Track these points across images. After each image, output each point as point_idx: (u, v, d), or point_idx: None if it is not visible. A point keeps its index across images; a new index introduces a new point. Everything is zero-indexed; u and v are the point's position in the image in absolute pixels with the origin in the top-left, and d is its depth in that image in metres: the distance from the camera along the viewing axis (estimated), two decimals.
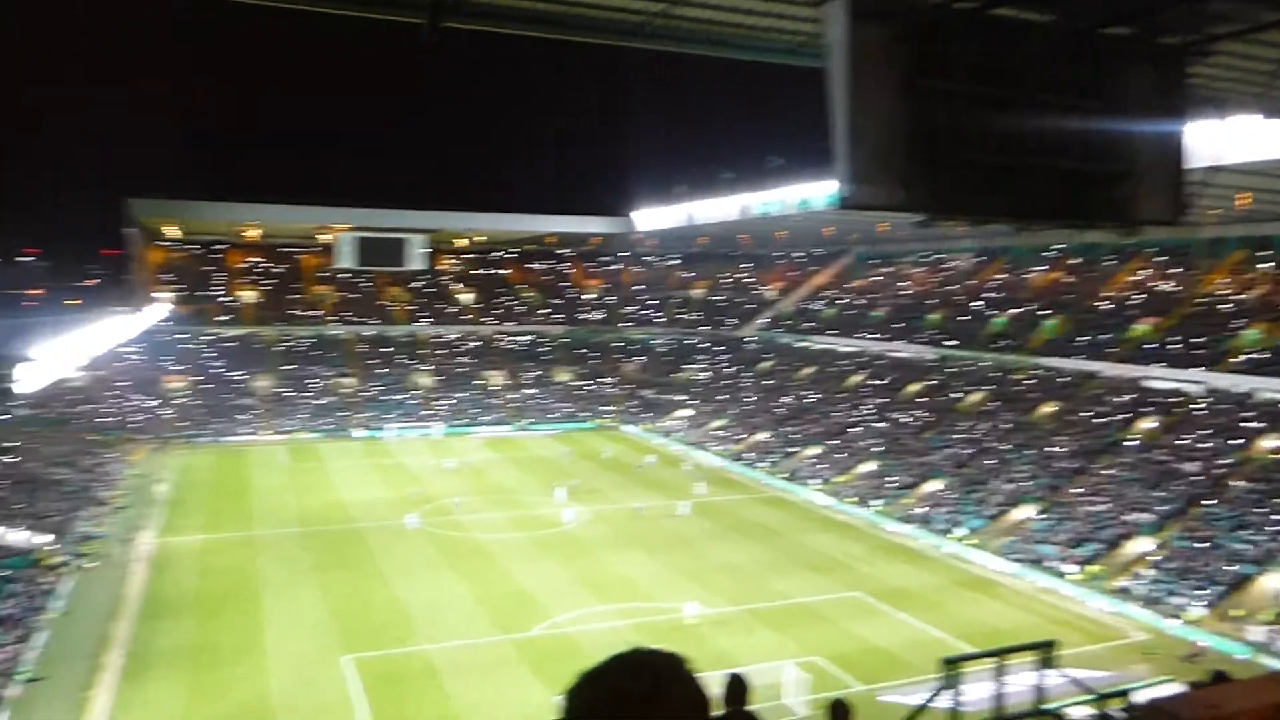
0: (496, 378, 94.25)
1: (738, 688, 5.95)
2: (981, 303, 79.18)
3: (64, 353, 55.69)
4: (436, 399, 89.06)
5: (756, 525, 54.27)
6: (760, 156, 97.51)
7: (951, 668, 6.53)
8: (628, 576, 43.97)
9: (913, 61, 7.14)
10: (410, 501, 57.23)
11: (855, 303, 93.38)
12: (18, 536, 43.33)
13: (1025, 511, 51.06)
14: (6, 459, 56.70)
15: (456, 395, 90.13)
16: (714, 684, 2.65)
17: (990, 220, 8.48)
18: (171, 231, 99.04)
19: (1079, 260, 76.32)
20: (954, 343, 74.70)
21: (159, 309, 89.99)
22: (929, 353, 75.65)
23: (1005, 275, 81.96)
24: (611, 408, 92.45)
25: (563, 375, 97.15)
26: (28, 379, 49.18)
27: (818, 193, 67.85)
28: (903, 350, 78.49)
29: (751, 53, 11.08)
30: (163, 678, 32.13)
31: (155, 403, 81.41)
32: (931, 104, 7.44)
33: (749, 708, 6.24)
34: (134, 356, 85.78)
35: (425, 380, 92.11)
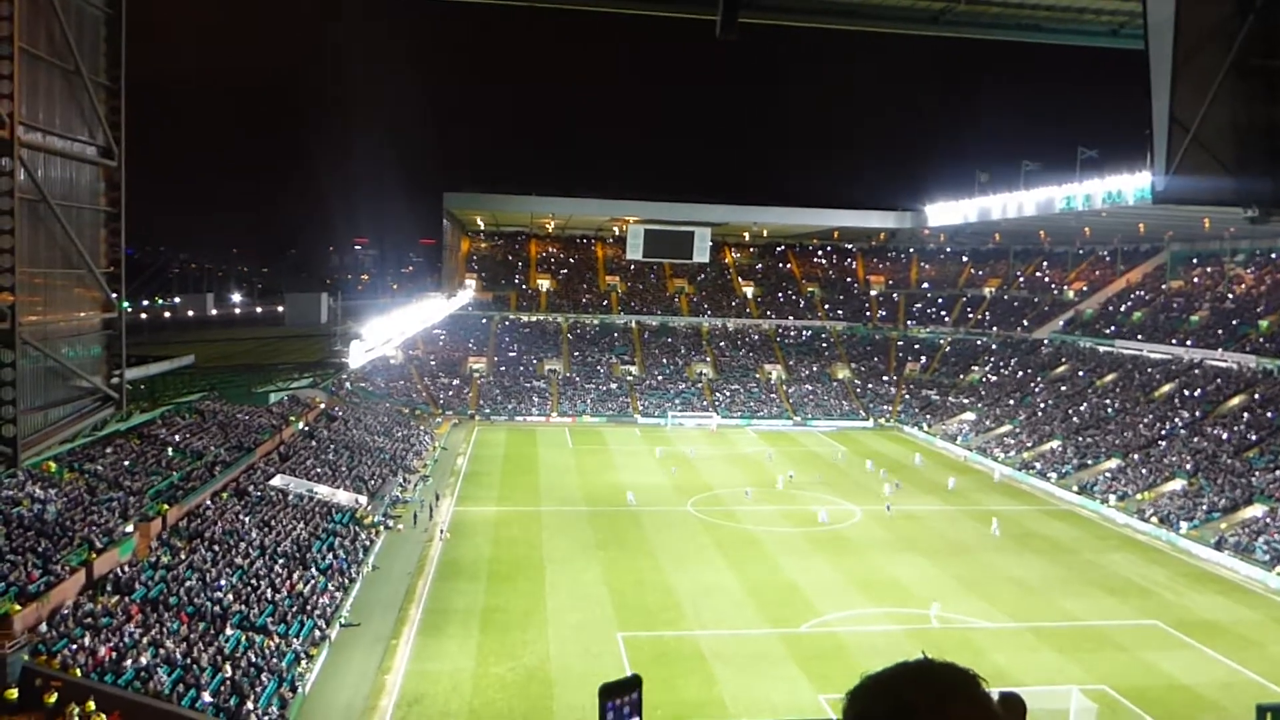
0: (775, 371, 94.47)
1: (1014, 707, 5.69)
2: None
3: (386, 332, 61.77)
4: (715, 390, 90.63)
5: (1044, 539, 50.93)
6: (1067, 147, 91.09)
7: (1271, 716, 5.90)
8: (903, 581, 42.72)
9: (1251, 39, 6.46)
10: (686, 489, 58.68)
11: (1170, 305, 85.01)
12: (345, 497, 48.74)
13: None
14: (336, 425, 63.96)
15: (734, 387, 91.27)
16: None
17: None
18: (480, 223, 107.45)
19: None
20: None
21: (466, 295, 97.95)
22: (1256, 363, 67.54)
23: None
24: (891, 407, 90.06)
25: (842, 372, 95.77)
26: (357, 355, 54.95)
27: (1129, 186, 62.44)
28: (1224, 359, 70.59)
29: (1066, 36, 10.38)
30: (456, 634, 35.00)
31: (459, 381, 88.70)
32: (1272, 87, 6.71)
33: None
34: (442, 338, 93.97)
35: (705, 371, 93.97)
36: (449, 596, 39.06)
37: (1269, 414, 61.16)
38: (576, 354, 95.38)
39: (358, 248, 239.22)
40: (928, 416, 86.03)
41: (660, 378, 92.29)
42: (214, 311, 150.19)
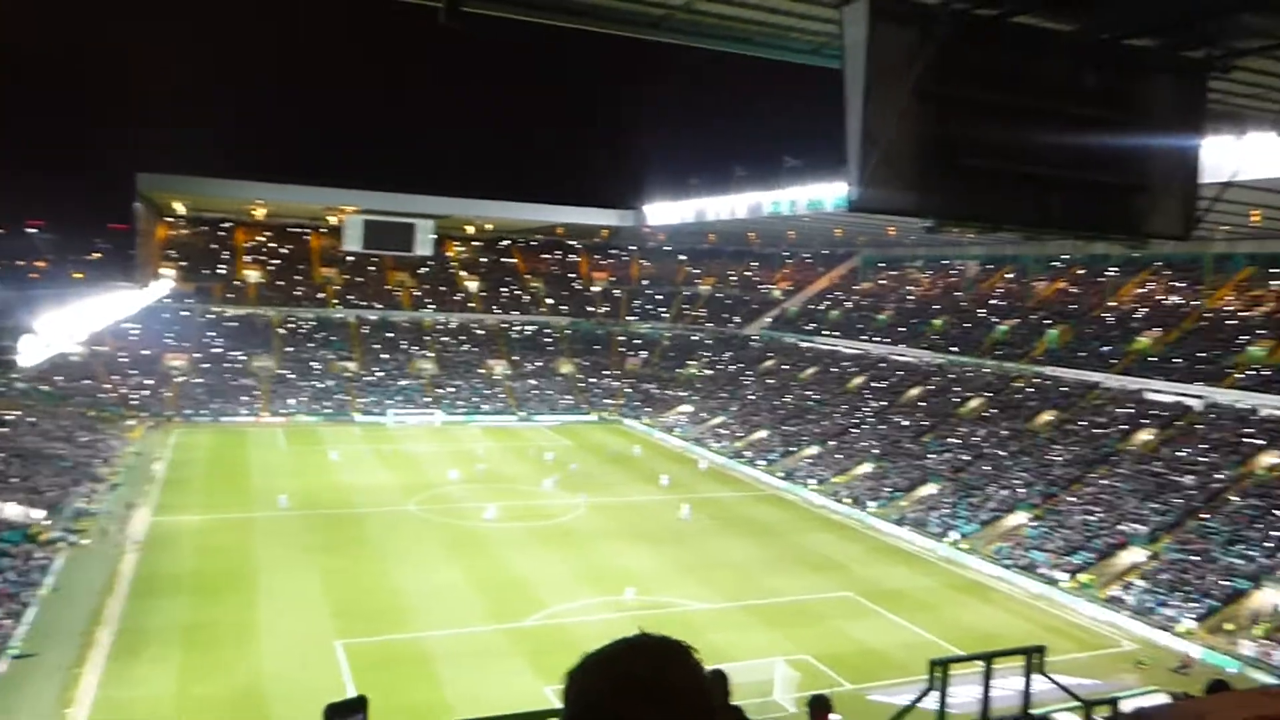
0: (499, 367, 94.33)
1: (721, 683, 6.09)
2: (986, 310, 79.12)
3: (67, 327, 55.71)
4: (438, 386, 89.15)
5: (754, 522, 54.35)
6: (774, 154, 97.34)
7: (940, 670, 6.56)
8: (625, 569, 44.04)
9: (931, 66, 7.13)
10: (409, 488, 57.34)
11: (861, 305, 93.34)
12: (13, 511, 43.43)
13: (1020, 518, 51.11)
14: (5, 431, 56.87)
15: (458, 383, 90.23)
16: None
17: (1001, 228, 8.49)
18: (179, 208, 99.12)
19: (1084, 271, 76.25)
20: (956, 349, 74.69)
21: (163, 286, 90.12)
22: (931, 357, 75.64)
23: (1011, 283, 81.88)
24: (613, 401, 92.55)
25: (566, 367, 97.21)
26: (30, 351, 49.20)
27: (829, 194, 67.77)
28: (905, 354, 78.49)
29: (774, 50, 11.02)
30: (154, 656, 32.18)
31: (155, 380, 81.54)
32: (948, 110, 7.44)
33: (733, 702, 6.32)
34: (136, 333, 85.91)
35: (428, 367, 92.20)
36: (146, 615, 35.83)
37: (939, 403, 68.67)
38: (290, 350, 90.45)
39: (32, 230, 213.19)
40: (648, 409, 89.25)
41: (380, 374, 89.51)
42: None
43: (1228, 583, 40.84)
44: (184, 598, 37.84)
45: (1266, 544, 42.12)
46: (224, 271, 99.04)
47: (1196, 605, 39.99)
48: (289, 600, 38.05)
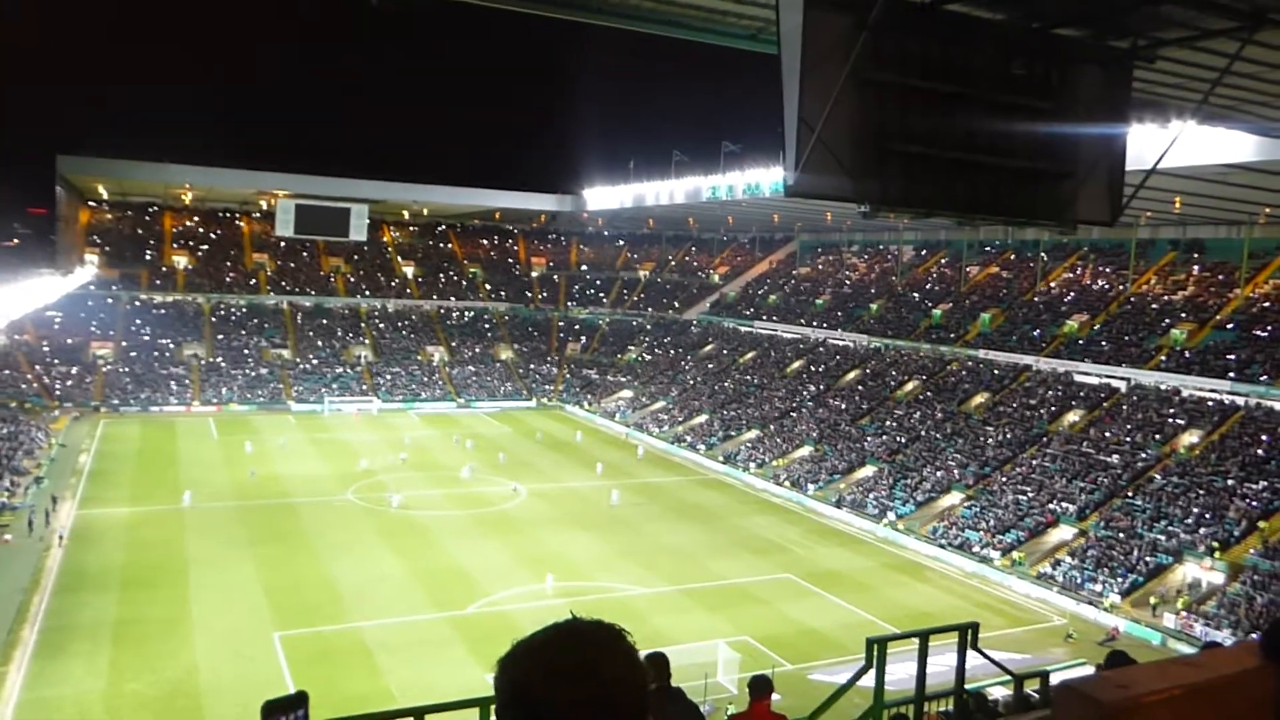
0: (438, 353, 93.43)
1: (662, 665, 6.15)
2: (920, 294, 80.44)
3: None
4: (375, 374, 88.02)
5: (695, 507, 54.69)
6: (713, 140, 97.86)
7: (877, 648, 6.68)
8: (567, 555, 44.04)
9: (865, 54, 7.20)
10: (345, 477, 56.61)
11: (799, 290, 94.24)
12: None
13: (954, 498, 52.22)
14: None
15: (396, 370, 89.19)
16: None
17: (934, 213, 8.62)
18: (102, 191, 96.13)
19: (1015, 256, 77.92)
20: (892, 333, 75.86)
21: (87, 272, 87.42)
22: (868, 341, 76.72)
23: (945, 268, 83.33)
24: (553, 387, 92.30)
25: (505, 353, 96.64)
26: None
27: (767, 179, 68.22)
28: (843, 338, 79.50)
29: (709, 35, 11.05)
30: (82, 653, 31.37)
31: (80, 370, 79.22)
32: (882, 97, 7.53)
33: (674, 684, 6.39)
34: (59, 321, 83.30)
35: (365, 354, 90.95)
36: (72, 611, 34.90)
37: (876, 387, 69.73)
38: (221, 337, 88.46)
39: None
40: (588, 395, 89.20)
41: (316, 361, 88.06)
42: None
43: (1151, 559, 42.24)
44: (113, 593, 36.91)
45: (1187, 521, 43.62)
46: (151, 257, 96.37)
47: (1121, 580, 41.30)
48: (223, 593, 37.34)
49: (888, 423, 63.62)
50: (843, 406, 68.47)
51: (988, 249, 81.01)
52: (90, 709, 27.62)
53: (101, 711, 27.50)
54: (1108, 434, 52.73)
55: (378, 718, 4.49)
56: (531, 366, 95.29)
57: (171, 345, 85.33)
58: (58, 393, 75.18)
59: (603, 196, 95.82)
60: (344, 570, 40.68)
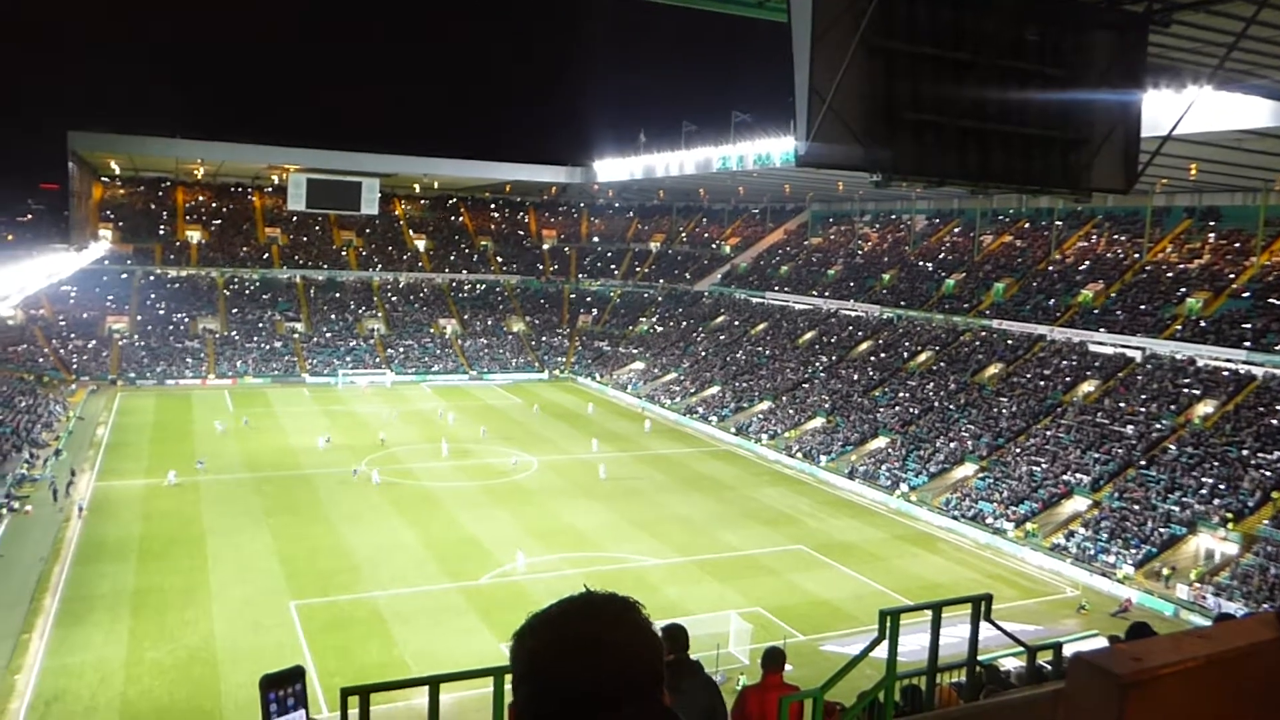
0: (450, 326, 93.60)
1: (679, 636, 6.14)
2: (933, 264, 79.98)
3: None
4: (388, 346, 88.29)
5: (707, 478, 54.81)
6: (724, 110, 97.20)
7: (889, 620, 6.68)
8: (579, 527, 44.27)
9: (875, 22, 7.10)
10: (358, 449, 56.93)
11: (811, 260, 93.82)
12: None
13: (967, 470, 52.17)
14: None
15: (408, 343, 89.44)
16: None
17: (946, 182, 8.54)
18: (115, 167, 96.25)
19: (1029, 224, 77.29)
20: (905, 303, 75.52)
21: (100, 247, 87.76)
22: (880, 311, 76.43)
23: (958, 237, 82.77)
24: (565, 359, 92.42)
25: (517, 325, 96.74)
26: None
27: (776, 149, 67.77)
28: (855, 309, 79.20)
29: (718, 3, 10.95)
30: (102, 621, 31.81)
31: (96, 344, 79.73)
32: (893, 65, 7.43)
33: (691, 655, 6.41)
34: (74, 296, 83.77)
35: (377, 327, 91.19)
36: (93, 581, 35.35)
37: (888, 357, 69.55)
38: (235, 311, 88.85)
39: None
40: (600, 367, 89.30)
41: (329, 335, 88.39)
42: None
43: (1165, 530, 42.17)
44: (132, 563, 37.35)
45: (1202, 491, 43.48)
46: (164, 232, 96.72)
47: (1135, 551, 41.26)
48: (240, 563, 37.73)
49: (900, 394, 63.49)
50: (855, 377, 68.35)
51: (1001, 218, 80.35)
52: (111, 676, 28.03)
53: (122, 679, 27.89)
54: (1122, 404, 52.49)
55: (393, 685, 4.53)
56: (543, 339, 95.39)
57: (186, 319, 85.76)
58: (74, 366, 75.76)
59: (613, 168, 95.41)
60: (358, 540, 41.01)
